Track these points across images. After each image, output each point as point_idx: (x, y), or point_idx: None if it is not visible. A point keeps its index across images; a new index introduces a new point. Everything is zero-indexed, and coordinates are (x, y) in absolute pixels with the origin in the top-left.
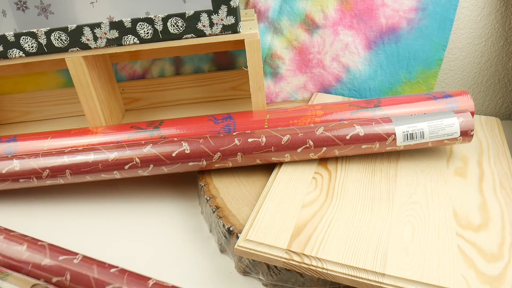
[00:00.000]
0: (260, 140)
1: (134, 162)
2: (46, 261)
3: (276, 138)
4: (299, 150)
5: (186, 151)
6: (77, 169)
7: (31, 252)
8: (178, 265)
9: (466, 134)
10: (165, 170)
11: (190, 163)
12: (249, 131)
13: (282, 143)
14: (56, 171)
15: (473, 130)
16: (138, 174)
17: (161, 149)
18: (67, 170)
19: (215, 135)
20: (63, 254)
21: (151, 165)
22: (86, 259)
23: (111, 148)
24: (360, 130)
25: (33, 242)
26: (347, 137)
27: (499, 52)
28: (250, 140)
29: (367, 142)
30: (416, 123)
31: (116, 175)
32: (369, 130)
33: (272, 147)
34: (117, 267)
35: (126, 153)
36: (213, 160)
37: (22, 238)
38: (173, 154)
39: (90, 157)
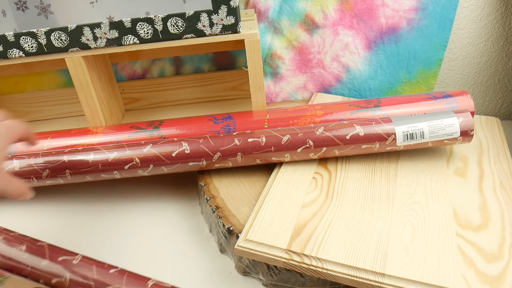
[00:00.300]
0: (260, 140)
1: (134, 162)
2: (45, 262)
3: (276, 138)
4: (299, 150)
5: (186, 151)
6: (77, 169)
7: (30, 253)
8: (178, 265)
9: (466, 134)
10: (165, 170)
11: (190, 163)
12: (249, 131)
13: (282, 143)
14: (56, 171)
15: (473, 130)
16: (138, 174)
17: (161, 149)
18: (67, 170)
19: (215, 135)
20: (62, 254)
21: (151, 165)
22: (85, 259)
23: (111, 148)
24: (360, 130)
25: (32, 243)
26: (347, 137)
27: (499, 52)
28: (250, 140)
29: (367, 142)
30: (416, 123)
31: (116, 175)
32: (369, 130)
33: (272, 147)
34: (116, 267)
35: (126, 153)
36: (213, 160)
37: (22, 239)
38: (173, 154)
39: (90, 157)
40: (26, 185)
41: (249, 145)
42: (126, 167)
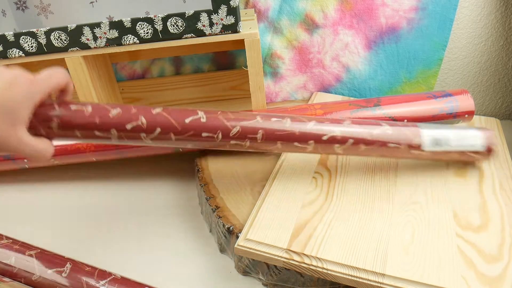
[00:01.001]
0: (284, 121)
1: (140, 123)
2: (35, 276)
3: (301, 122)
4: (324, 137)
5: (202, 119)
6: (68, 122)
7: (20, 267)
8: (178, 265)
9: (489, 150)
10: (173, 139)
11: (204, 134)
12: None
13: (307, 128)
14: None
15: (494, 145)
16: (141, 141)
17: (173, 113)
18: (54, 119)
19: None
20: (51, 266)
21: (158, 129)
22: (75, 269)
23: (116, 106)
24: (387, 127)
25: (21, 252)
26: (374, 132)
27: (499, 51)
28: (273, 119)
29: (394, 142)
30: (441, 129)
31: (114, 137)
32: (396, 129)
33: (297, 130)
34: (107, 278)
35: (132, 112)
36: (231, 135)
37: (10, 247)
38: (187, 121)
39: (88, 109)
40: (48, 145)
41: (272, 124)
42: (129, 126)
